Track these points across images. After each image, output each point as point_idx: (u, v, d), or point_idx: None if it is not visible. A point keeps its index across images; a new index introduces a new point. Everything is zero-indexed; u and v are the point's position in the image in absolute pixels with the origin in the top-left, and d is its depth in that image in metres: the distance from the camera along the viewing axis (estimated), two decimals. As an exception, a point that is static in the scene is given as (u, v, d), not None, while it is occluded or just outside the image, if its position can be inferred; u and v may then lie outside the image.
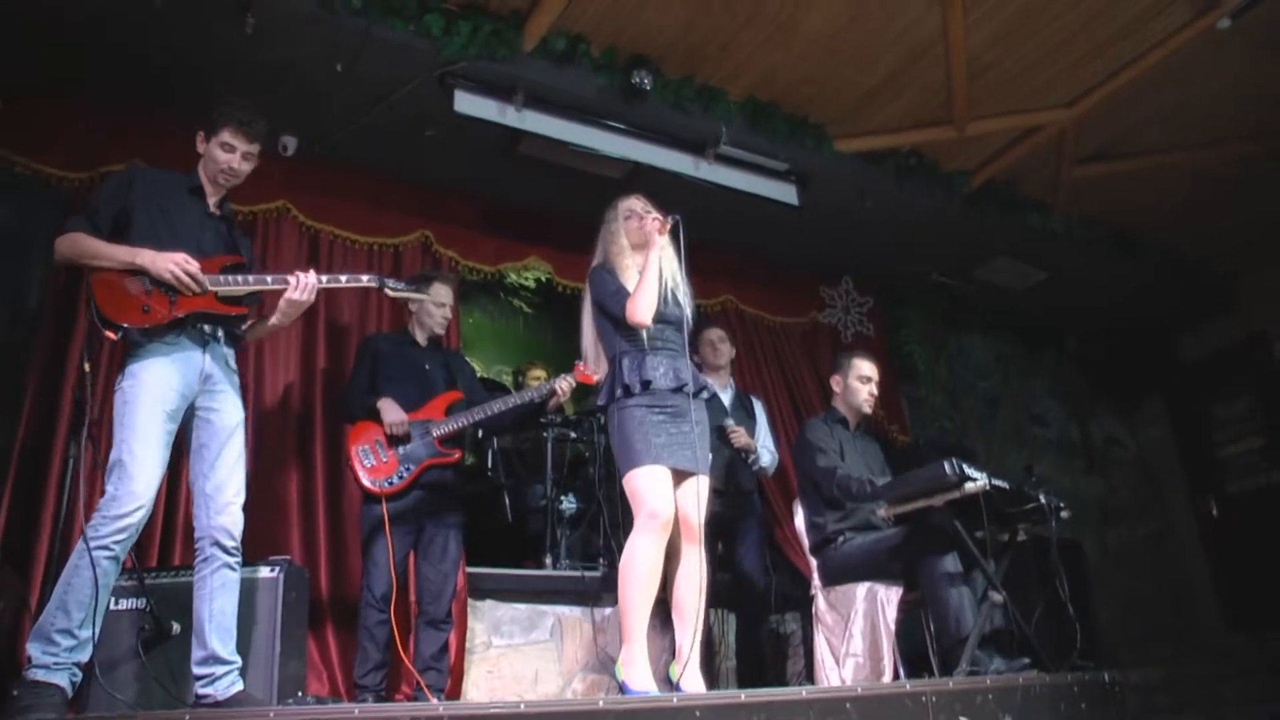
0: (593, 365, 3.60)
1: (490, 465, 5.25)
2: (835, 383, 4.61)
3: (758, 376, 5.84)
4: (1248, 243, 6.99)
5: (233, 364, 3.20)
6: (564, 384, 4.45)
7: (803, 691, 2.44)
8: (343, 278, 3.35)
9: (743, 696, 2.37)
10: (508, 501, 5.14)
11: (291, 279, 3.14)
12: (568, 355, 6.22)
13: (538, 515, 5.15)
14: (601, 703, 2.22)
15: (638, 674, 3.06)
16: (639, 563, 3.09)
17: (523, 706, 2.14)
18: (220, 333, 3.12)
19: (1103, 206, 6.28)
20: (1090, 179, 5.96)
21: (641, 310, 3.26)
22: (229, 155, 3.17)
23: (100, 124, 4.43)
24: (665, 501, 3.13)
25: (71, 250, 2.97)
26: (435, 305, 4.42)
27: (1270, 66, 5.16)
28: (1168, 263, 6.94)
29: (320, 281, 3.21)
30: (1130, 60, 5.03)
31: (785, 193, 5.33)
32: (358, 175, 5.04)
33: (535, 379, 5.69)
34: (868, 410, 4.58)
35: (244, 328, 3.26)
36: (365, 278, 3.34)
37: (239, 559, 3.04)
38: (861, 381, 4.50)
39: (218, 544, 2.98)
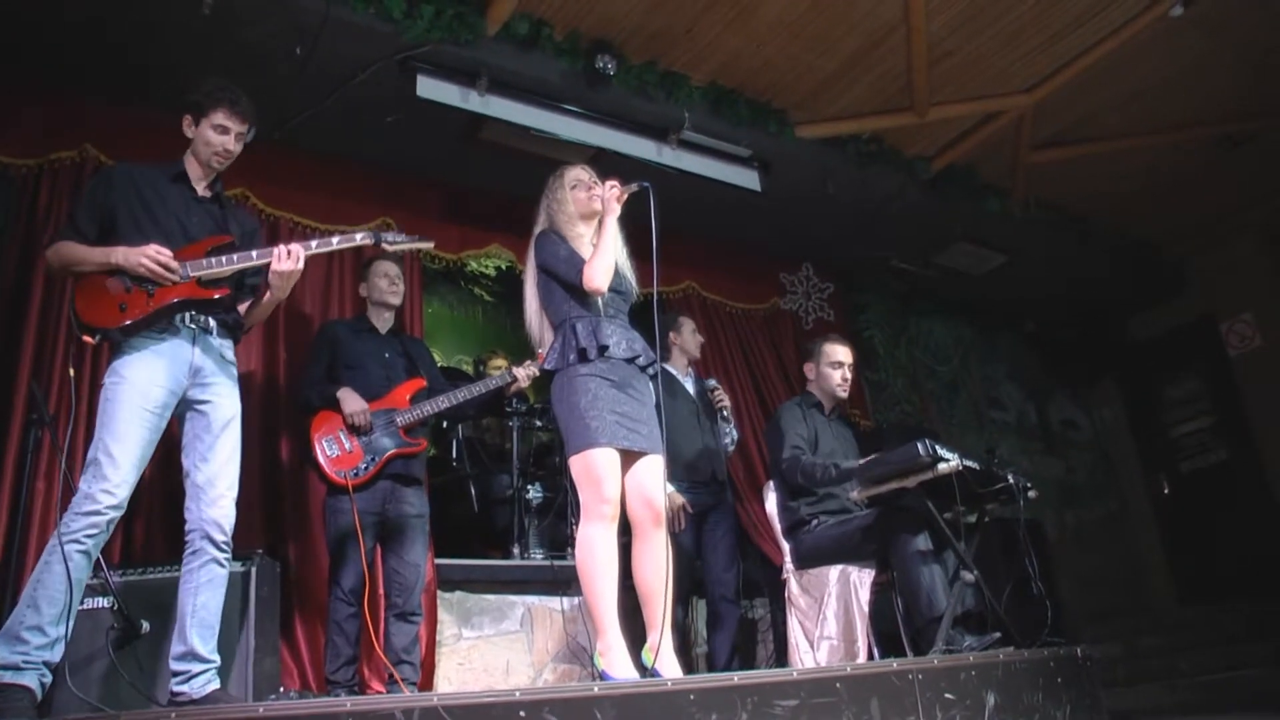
0: (536, 334, 3.45)
1: (455, 455, 5.19)
2: (808, 370, 4.62)
3: (721, 362, 5.85)
4: (1198, 226, 7.19)
5: (228, 356, 3.13)
6: (524, 371, 4.40)
7: (794, 673, 2.44)
8: (334, 240, 3.21)
9: (735, 679, 2.36)
10: (473, 492, 5.09)
11: (277, 250, 3.06)
12: (528, 344, 6.19)
13: (503, 505, 5.11)
14: (596, 689, 2.20)
15: (617, 661, 3.00)
16: (597, 553, 3.00)
17: (518, 694, 2.11)
18: (212, 324, 3.06)
19: (1059, 191, 6.39)
20: (1048, 164, 6.05)
21: (599, 276, 3.16)
22: (223, 137, 3.14)
23: (51, 111, 4.31)
24: (616, 488, 3.05)
25: (58, 260, 2.99)
26: (381, 277, 4.36)
27: (1222, 53, 5.30)
28: (1120, 246, 7.09)
29: (310, 248, 3.13)
30: (1087, 47, 5.13)
31: (747, 178, 5.35)
32: (318, 162, 4.94)
33: (496, 368, 5.61)
34: (842, 395, 4.58)
35: (243, 309, 3.20)
36: (359, 236, 3.22)
37: (229, 555, 2.96)
38: (833, 367, 4.51)
39: (208, 538, 2.91)
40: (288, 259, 3.06)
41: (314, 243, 3.18)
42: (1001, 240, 6.58)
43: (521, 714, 2.07)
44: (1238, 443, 7.47)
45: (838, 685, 2.50)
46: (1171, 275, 7.66)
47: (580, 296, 3.24)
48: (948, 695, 2.76)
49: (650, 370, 3.32)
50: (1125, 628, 6.58)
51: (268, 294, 3.16)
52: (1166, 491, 7.87)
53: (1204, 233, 7.25)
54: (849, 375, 4.56)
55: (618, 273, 3.31)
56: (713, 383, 4.91)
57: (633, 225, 3.37)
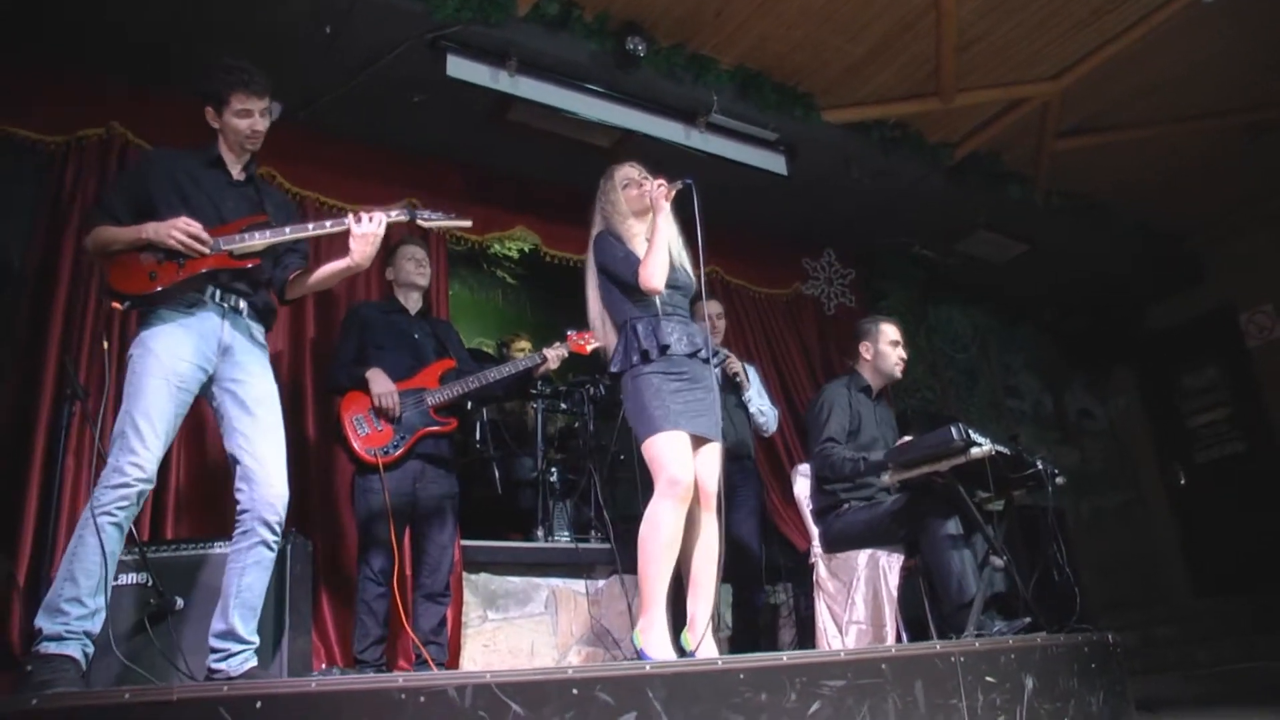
0: (600, 334, 3.51)
1: (479, 437, 5.18)
2: (865, 349, 4.55)
3: (744, 347, 5.83)
4: (1219, 216, 7.16)
5: (260, 338, 3.11)
6: (553, 353, 4.39)
7: (841, 653, 2.45)
8: (389, 214, 3.16)
9: (784, 658, 2.36)
10: (497, 474, 5.07)
11: (355, 217, 3.05)
12: (548, 327, 6.17)
13: (527, 488, 5.11)
14: (648, 667, 2.20)
15: (655, 641, 3.02)
16: (661, 530, 3.04)
17: (570, 672, 2.11)
18: (243, 305, 3.03)
19: (1081, 180, 6.36)
20: (1071, 152, 6.02)
21: (655, 276, 3.21)
22: (249, 120, 3.09)
23: (78, 88, 4.31)
24: (686, 468, 3.09)
25: (95, 244, 2.94)
26: (407, 260, 4.37)
27: (1248, 41, 5.25)
28: (1141, 236, 7.06)
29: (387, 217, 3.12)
30: (1116, 33, 5.09)
31: (774, 162, 5.33)
32: (344, 142, 4.94)
33: (520, 351, 5.61)
34: (899, 375, 4.53)
35: (292, 276, 3.19)
36: (394, 211, 3.17)
37: (279, 538, 2.95)
38: (893, 345, 4.49)
39: (264, 521, 2.89)
40: (369, 223, 3.04)
41: (375, 213, 3.12)
42: (1022, 229, 6.56)
43: (574, 691, 2.07)
44: (1255, 434, 7.46)
45: (883, 666, 2.50)
46: (1191, 265, 7.64)
47: (638, 296, 3.29)
48: (988, 678, 2.76)
49: (717, 359, 3.37)
50: (1141, 617, 6.58)
51: (347, 260, 3.10)
52: (1182, 482, 7.85)
53: (1225, 223, 7.22)
54: (905, 355, 4.54)
55: (675, 267, 3.36)
56: (724, 351, 4.89)
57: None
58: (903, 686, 2.52)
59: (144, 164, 3.10)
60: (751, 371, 5.09)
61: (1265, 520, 7.02)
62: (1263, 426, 7.40)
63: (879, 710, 2.44)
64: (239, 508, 2.91)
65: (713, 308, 5.02)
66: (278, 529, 2.92)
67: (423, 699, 1.99)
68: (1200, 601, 7.34)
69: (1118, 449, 8.21)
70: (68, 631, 2.57)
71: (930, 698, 2.57)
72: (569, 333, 4.40)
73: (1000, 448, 3.78)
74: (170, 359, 2.83)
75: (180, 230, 2.85)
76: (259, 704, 1.94)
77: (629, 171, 3.49)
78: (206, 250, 2.89)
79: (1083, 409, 8.20)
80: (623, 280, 3.31)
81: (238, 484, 2.92)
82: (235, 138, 3.11)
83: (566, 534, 4.91)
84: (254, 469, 2.90)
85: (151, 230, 2.86)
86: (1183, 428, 7.96)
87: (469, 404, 5.10)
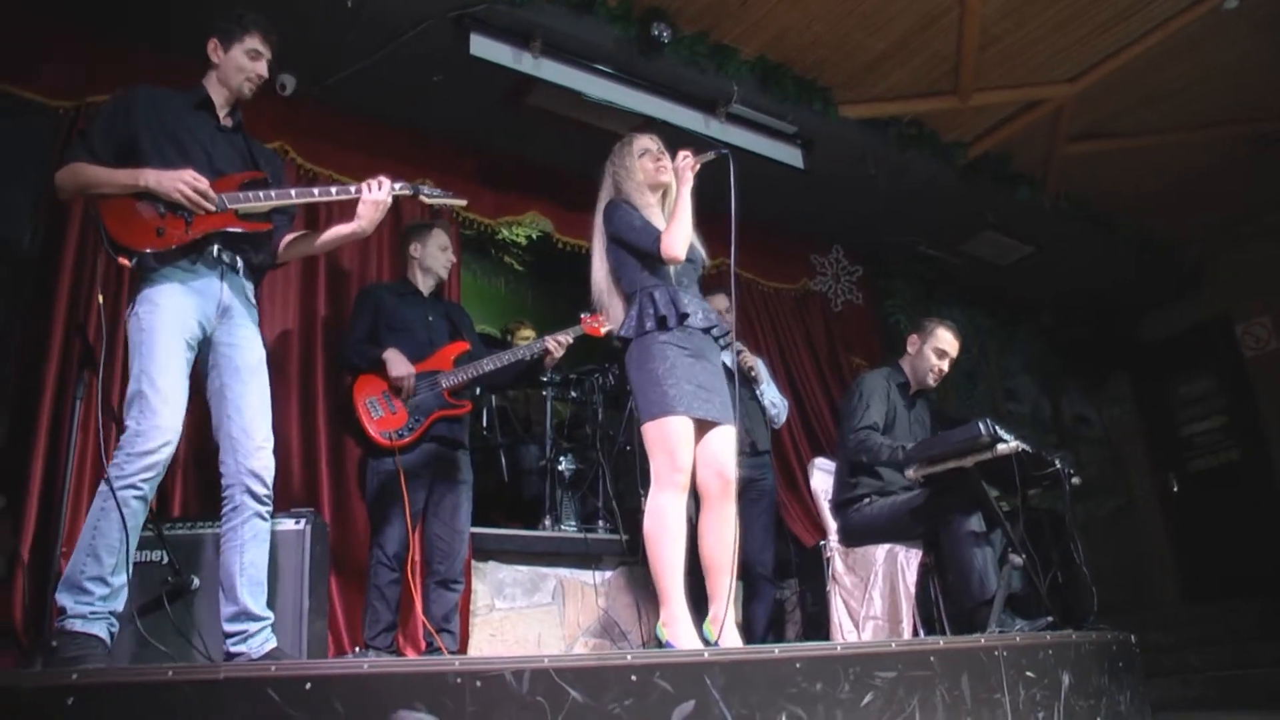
0: (604, 302, 3.37)
1: (486, 424, 5.11)
2: (912, 342, 4.50)
3: (752, 341, 5.79)
4: (1221, 225, 7.20)
5: (252, 297, 3.01)
6: (555, 341, 4.32)
7: (892, 644, 2.42)
8: (396, 185, 3.13)
9: (838, 649, 2.33)
10: (504, 462, 5.01)
11: (365, 185, 3.00)
12: (552, 315, 6.12)
13: (533, 476, 5.04)
14: (707, 654, 2.15)
15: (682, 633, 2.96)
16: (668, 521, 2.96)
17: (630, 658, 2.06)
18: (239, 263, 2.93)
19: (1088, 185, 6.36)
20: (1080, 156, 6.02)
21: (678, 245, 3.10)
22: (256, 63, 3.03)
23: (88, 52, 4.18)
24: (689, 457, 3.02)
25: (72, 181, 2.78)
26: (439, 249, 4.29)
27: (1266, 50, 5.26)
28: (1145, 242, 7.09)
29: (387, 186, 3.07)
30: (1135, 38, 5.08)
31: (792, 156, 5.29)
32: (358, 120, 4.85)
33: (524, 339, 5.55)
34: (931, 383, 4.45)
35: (290, 239, 3.12)
36: (398, 185, 3.12)
37: (270, 508, 2.84)
38: (938, 354, 4.39)
39: (249, 491, 2.78)
40: (379, 190, 2.99)
41: (384, 180, 3.09)
42: (1027, 231, 6.57)
43: (633, 678, 2.03)
44: (1250, 443, 7.51)
45: (931, 659, 2.47)
46: (1191, 274, 7.69)
47: (653, 266, 3.19)
48: (1029, 673, 2.74)
49: (724, 341, 3.28)
50: (1132, 623, 6.59)
51: (353, 224, 3.06)
52: (1175, 489, 7.91)
53: (1227, 232, 7.26)
54: (946, 369, 4.44)
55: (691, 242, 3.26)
56: (738, 345, 4.86)
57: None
58: (950, 680, 2.49)
59: (128, 99, 2.91)
60: (760, 365, 5.06)
61: (1257, 528, 7.08)
62: (1258, 436, 7.46)
63: (928, 703, 2.41)
64: (224, 480, 2.80)
65: (720, 303, 4.96)
66: (266, 499, 2.81)
67: (479, 683, 1.93)
68: (1193, 608, 7.38)
69: (1112, 455, 8.26)
70: (92, 612, 2.49)
71: (975, 691, 2.55)
72: (583, 315, 4.32)
73: (1025, 446, 3.77)
74: (180, 315, 2.74)
75: (188, 184, 2.74)
76: (308, 685, 1.87)
77: (648, 143, 3.41)
78: (212, 208, 2.79)
79: (1079, 414, 8.24)
80: (640, 248, 3.18)
81: (222, 456, 2.81)
82: (237, 77, 3.02)
83: (573, 524, 4.85)
84: (239, 439, 2.80)
85: (154, 179, 2.72)
86: (1177, 436, 8.01)
87: (478, 390, 5.05)
